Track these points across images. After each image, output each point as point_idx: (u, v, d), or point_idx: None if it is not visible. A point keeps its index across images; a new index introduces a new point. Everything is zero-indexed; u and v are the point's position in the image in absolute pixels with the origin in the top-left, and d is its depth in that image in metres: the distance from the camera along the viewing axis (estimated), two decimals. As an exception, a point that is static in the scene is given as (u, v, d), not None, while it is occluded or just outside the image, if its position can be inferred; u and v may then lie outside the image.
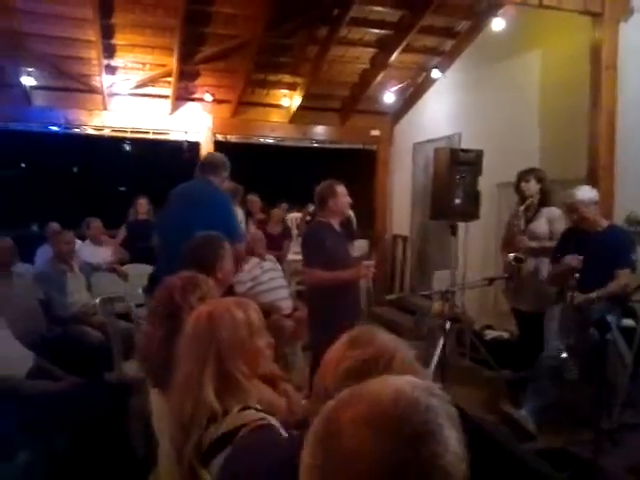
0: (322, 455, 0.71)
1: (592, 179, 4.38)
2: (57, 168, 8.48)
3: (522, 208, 4.29)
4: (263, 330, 1.56)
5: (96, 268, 5.18)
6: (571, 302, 3.67)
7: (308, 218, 6.46)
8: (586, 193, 3.80)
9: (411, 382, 0.75)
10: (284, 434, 1.39)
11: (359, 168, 8.23)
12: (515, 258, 4.14)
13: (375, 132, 8.08)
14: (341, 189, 3.71)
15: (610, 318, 3.61)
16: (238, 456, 1.29)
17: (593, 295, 3.59)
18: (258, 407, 1.46)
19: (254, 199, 7.34)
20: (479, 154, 4.90)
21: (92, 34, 5.72)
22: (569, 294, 3.68)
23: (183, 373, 1.46)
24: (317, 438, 0.73)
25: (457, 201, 4.79)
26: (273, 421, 1.41)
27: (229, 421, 1.38)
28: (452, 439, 0.69)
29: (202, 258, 2.52)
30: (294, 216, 8.35)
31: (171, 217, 3.67)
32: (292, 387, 1.97)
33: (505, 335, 5.17)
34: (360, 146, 8.28)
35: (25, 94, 6.49)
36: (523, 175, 4.31)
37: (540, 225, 4.24)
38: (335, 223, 3.78)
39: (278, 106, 7.56)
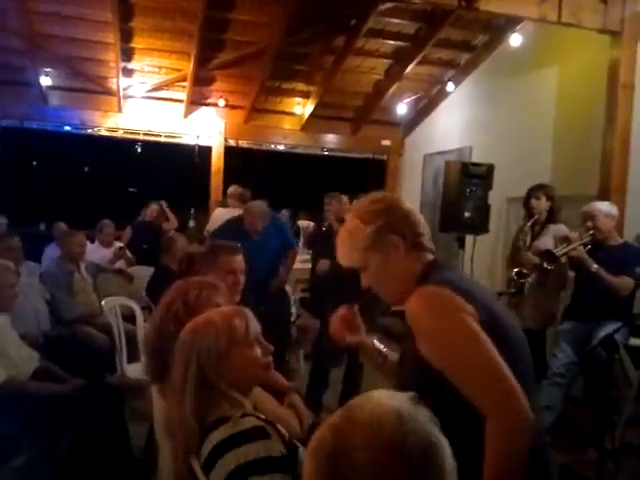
0: None
1: (604, 197, 4.35)
2: (68, 167, 8.55)
3: (529, 224, 4.27)
4: (251, 338, 1.50)
5: (102, 269, 5.18)
6: None
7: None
8: (606, 206, 3.86)
9: (394, 397, 0.78)
10: (281, 446, 1.38)
11: (368, 177, 8.23)
12: (518, 273, 4.09)
13: (386, 142, 8.09)
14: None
15: (618, 337, 3.58)
16: None
17: (595, 266, 3.60)
18: (260, 415, 1.44)
19: None
20: (490, 168, 4.89)
21: (111, 37, 5.79)
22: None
23: (172, 380, 1.46)
24: (326, 468, 0.73)
25: (467, 214, 4.78)
26: (271, 431, 1.39)
27: (228, 427, 1.37)
28: (447, 446, 0.75)
29: (208, 265, 2.50)
30: (304, 223, 8.33)
31: None
32: (299, 398, 1.94)
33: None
34: (370, 155, 8.29)
35: (42, 94, 6.56)
36: (533, 191, 4.29)
37: (546, 242, 4.20)
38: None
39: (291, 113, 7.60)
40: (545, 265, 3.76)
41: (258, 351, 1.50)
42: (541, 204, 4.22)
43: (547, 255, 3.77)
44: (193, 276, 2.12)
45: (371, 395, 0.80)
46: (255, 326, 1.53)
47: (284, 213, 7.63)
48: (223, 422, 1.38)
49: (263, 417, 1.44)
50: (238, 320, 1.49)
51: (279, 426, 1.53)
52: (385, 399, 0.77)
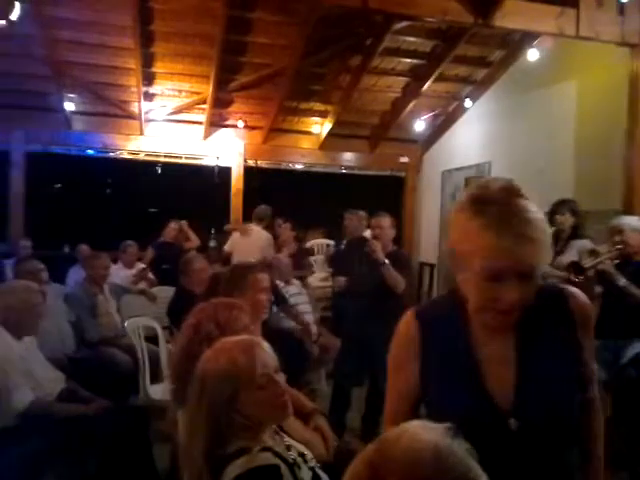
0: None
1: (628, 210, 4.28)
2: (91, 190, 8.71)
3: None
4: (264, 379, 1.44)
5: (126, 290, 5.24)
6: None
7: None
8: (635, 220, 3.79)
9: (431, 430, 0.75)
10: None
11: (387, 194, 8.23)
12: None
13: (404, 159, 8.11)
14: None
15: (647, 355, 3.49)
16: None
17: (623, 280, 3.53)
18: (277, 450, 1.43)
19: (280, 224, 7.29)
20: (511, 184, 4.85)
21: (133, 62, 5.92)
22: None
23: (188, 420, 1.44)
24: None
25: (488, 231, 4.73)
26: (283, 468, 1.38)
27: (245, 460, 1.36)
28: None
29: (235, 284, 2.52)
30: (320, 242, 8.32)
31: None
32: (324, 420, 1.92)
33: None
34: (388, 173, 8.30)
35: (66, 119, 6.72)
36: (558, 207, 4.24)
37: (570, 257, 4.13)
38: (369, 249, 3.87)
39: (308, 133, 7.66)
40: (572, 278, 3.68)
41: (271, 392, 1.44)
42: (566, 220, 4.17)
43: (574, 267, 3.69)
44: (215, 297, 2.13)
45: (406, 427, 0.76)
46: (266, 364, 1.46)
47: (287, 225, 7.31)
48: (243, 453, 1.37)
49: (279, 452, 1.43)
50: (243, 361, 1.43)
51: (306, 451, 1.52)
52: (421, 432, 0.74)
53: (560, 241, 4.23)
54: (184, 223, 6.77)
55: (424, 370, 1.20)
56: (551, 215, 4.26)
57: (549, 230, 1.11)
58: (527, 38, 5.69)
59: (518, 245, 1.04)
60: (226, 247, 6.29)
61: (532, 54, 5.46)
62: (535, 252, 1.06)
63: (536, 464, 1.10)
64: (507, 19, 4.27)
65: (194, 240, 6.75)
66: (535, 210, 1.09)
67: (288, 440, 1.59)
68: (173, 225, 6.63)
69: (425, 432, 0.74)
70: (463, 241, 1.11)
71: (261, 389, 1.42)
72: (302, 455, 1.56)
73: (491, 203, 1.07)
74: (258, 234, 6.06)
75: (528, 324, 1.15)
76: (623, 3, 4.36)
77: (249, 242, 5.91)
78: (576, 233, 4.19)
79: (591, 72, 5.15)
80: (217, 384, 1.40)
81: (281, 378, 1.48)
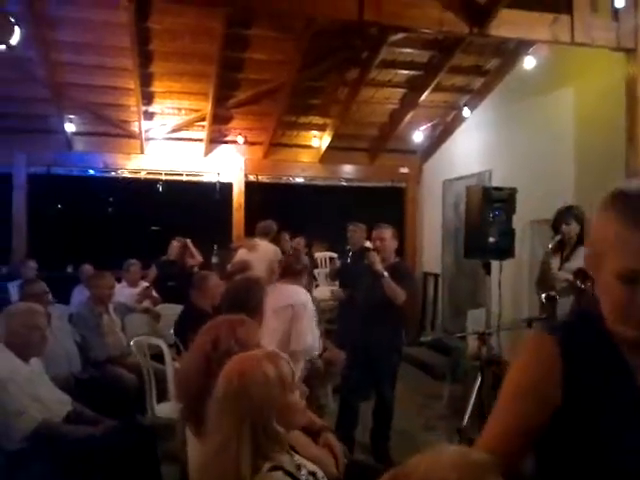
0: None
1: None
2: (93, 210, 8.75)
3: (550, 247, 4.24)
4: (295, 382, 1.50)
5: (131, 309, 5.23)
6: None
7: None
8: None
9: (459, 462, 0.69)
10: None
11: (388, 206, 8.23)
12: (547, 297, 4.00)
13: (404, 170, 8.13)
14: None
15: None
16: None
17: None
18: (287, 469, 1.42)
19: (285, 238, 7.33)
20: (512, 192, 4.84)
21: (132, 82, 5.96)
22: None
23: (220, 435, 1.40)
24: None
25: (491, 239, 4.72)
26: None
27: None
28: None
29: (247, 301, 2.51)
30: (324, 255, 8.33)
31: None
32: (334, 437, 1.91)
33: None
34: (389, 184, 8.32)
35: (67, 140, 6.76)
36: (563, 215, 4.23)
37: (577, 264, 4.12)
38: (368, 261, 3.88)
39: (308, 147, 7.70)
40: (579, 284, 3.67)
41: (297, 396, 1.48)
42: (572, 229, 4.18)
43: (581, 274, 3.68)
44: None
45: (430, 456, 0.72)
46: (290, 371, 1.49)
47: (300, 241, 7.47)
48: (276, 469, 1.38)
49: (289, 470, 1.42)
50: (285, 366, 1.46)
51: (317, 469, 1.50)
52: (446, 462, 0.69)
53: (567, 247, 4.23)
54: (188, 241, 6.76)
55: (570, 400, 0.99)
56: (556, 223, 4.27)
57: None
58: (522, 46, 5.72)
59: None
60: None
61: (528, 62, 5.49)
62: None
63: None
64: (502, 28, 4.30)
65: (197, 257, 6.75)
66: None
67: (299, 459, 1.57)
68: (176, 243, 6.63)
69: (450, 464, 0.70)
70: (600, 239, 0.99)
71: (294, 392, 1.48)
72: (313, 474, 1.54)
73: (634, 197, 0.95)
74: (265, 248, 6.04)
75: None
76: (617, 8, 4.39)
77: (257, 257, 5.90)
78: (582, 239, 4.18)
79: (588, 78, 5.17)
80: (265, 389, 1.40)
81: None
